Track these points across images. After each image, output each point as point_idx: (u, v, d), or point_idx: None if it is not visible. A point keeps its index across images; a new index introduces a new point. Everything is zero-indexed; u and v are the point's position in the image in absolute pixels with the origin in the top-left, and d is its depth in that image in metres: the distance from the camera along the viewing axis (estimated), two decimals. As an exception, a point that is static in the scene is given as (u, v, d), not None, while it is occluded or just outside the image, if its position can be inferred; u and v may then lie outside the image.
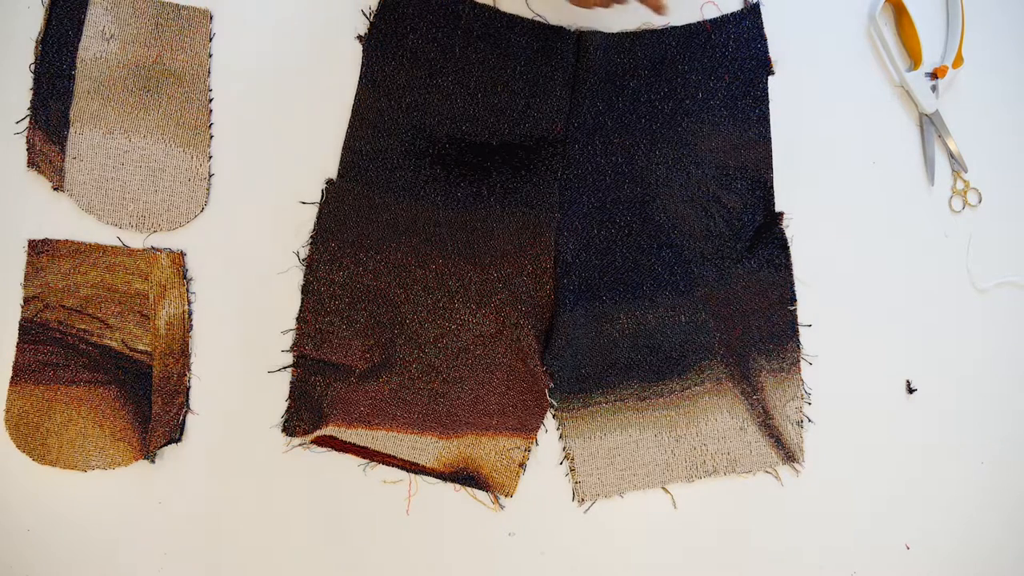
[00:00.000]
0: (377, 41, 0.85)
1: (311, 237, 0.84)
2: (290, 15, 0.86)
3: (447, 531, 0.84)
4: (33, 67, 0.83)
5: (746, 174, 0.88)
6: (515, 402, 0.84)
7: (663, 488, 0.86)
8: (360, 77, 0.85)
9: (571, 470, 0.85)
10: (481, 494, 0.84)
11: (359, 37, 0.85)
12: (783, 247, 0.88)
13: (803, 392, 0.87)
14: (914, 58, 0.92)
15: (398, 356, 0.84)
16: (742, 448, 0.86)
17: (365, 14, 0.86)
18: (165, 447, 0.82)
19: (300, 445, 0.83)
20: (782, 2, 0.90)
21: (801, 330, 0.88)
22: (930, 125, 0.92)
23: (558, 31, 0.86)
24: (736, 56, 0.88)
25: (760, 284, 0.87)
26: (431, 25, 0.85)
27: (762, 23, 0.88)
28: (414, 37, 0.85)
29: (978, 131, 0.93)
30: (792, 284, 0.88)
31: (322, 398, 0.82)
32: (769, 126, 0.88)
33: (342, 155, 0.85)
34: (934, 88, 0.91)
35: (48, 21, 0.83)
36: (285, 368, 0.83)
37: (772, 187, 0.88)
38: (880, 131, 0.92)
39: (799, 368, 0.87)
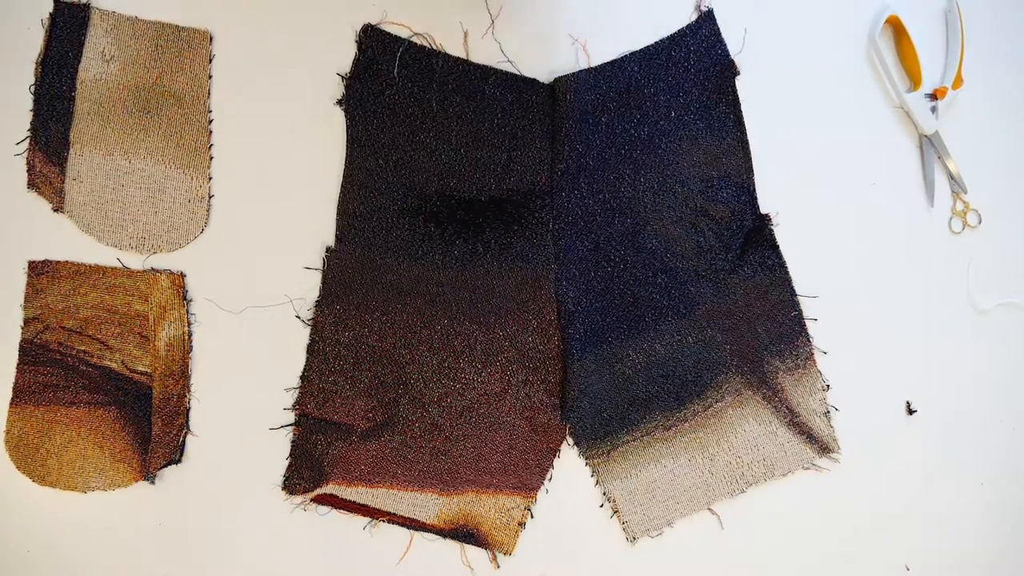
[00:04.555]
0: (355, 101, 0.84)
1: (316, 302, 0.84)
2: (289, 33, 0.86)
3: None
4: (33, 88, 0.83)
5: (730, 182, 0.88)
6: (517, 461, 0.84)
7: (709, 509, 0.86)
8: (347, 140, 0.85)
9: (615, 512, 0.85)
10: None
11: (338, 102, 0.85)
12: (773, 247, 0.88)
13: (823, 383, 0.87)
14: (914, 79, 0.92)
15: (401, 415, 0.84)
16: (776, 451, 0.86)
17: (341, 76, 0.85)
18: (165, 468, 0.82)
19: (300, 504, 0.83)
20: (782, 24, 0.91)
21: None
22: (930, 146, 0.92)
23: (531, 83, 0.85)
24: (700, 66, 0.88)
25: (758, 288, 0.87)
26: (405, 79, 0.84)
27: (718, 28, 0.88)
28: (390, 93, 0.84)
29: (978, 152, 0.93)
30: (790, 282, 0.88)
31: (323, 457, 0.82)
32: (745, 130, 0.88)
33: (337, 219, 0.85)
34: (934, 109, 0.91)
35: (48, 43, 0.83)
36: (286, 426, 0.83)
37: (755, 191, 0.88)
38: (880, 152, 0.92)
39: (814, 361, 0.87)
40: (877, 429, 0.89)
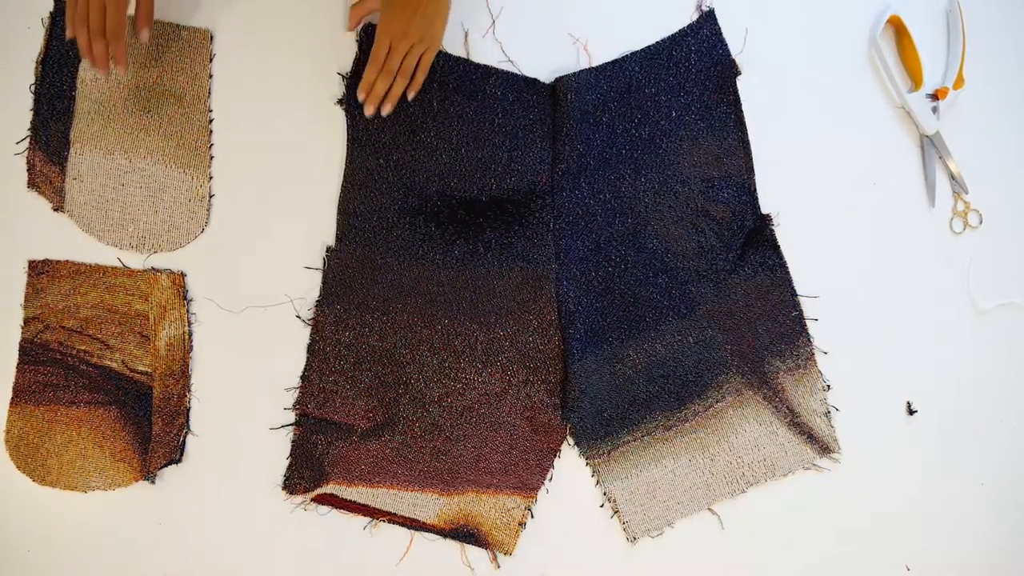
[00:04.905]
0: (356, 101, 0.83)
1: (317, 302, 0.83)
2: (289, 33, 0.86)
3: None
4: (33, 87, 0.83)
5: (731, 182, 0.88)
6: (517, 461, 0.84)
7: (709, 510, 0.86)
8: (347, 140, 0.85)
9: (615, 512, 0.85)
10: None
11: (339, 102, 0.85)
12: (774, 247, 0.88)
13: (823, 384, 0.87)
14: (915, 79, 0.92)
15: (401, 415, 0.84)
16: (777, 452, 0.86)
17: (342, 76, 0.85)
18: (165, 468, 0.82)
19: (300, 504, 0.83)
20: (783, 24, 0.91)
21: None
22: (931, 146, 0.92)
23: (532, 83, 0.85)
24: (701, 66, 0.88)
25: (759, 288, 0.87)
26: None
27: (719, 28, 0.88)
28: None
29: (979, 152, 0.93)
30: (791, 282, 0.88)
31: (323, 457, 0.82)
32: (746, 130, 0.88)
33: (338, 218, 0.84)
34: (935, 109, 0.91)
35: (49, 42, 0.83)
36: (286, 426, 0.83)
37: (756, 191, 0.88)
38: (881, 152, 0.92)
39: (815, 361, 0.87)
40: (877, 429, 0.89)
